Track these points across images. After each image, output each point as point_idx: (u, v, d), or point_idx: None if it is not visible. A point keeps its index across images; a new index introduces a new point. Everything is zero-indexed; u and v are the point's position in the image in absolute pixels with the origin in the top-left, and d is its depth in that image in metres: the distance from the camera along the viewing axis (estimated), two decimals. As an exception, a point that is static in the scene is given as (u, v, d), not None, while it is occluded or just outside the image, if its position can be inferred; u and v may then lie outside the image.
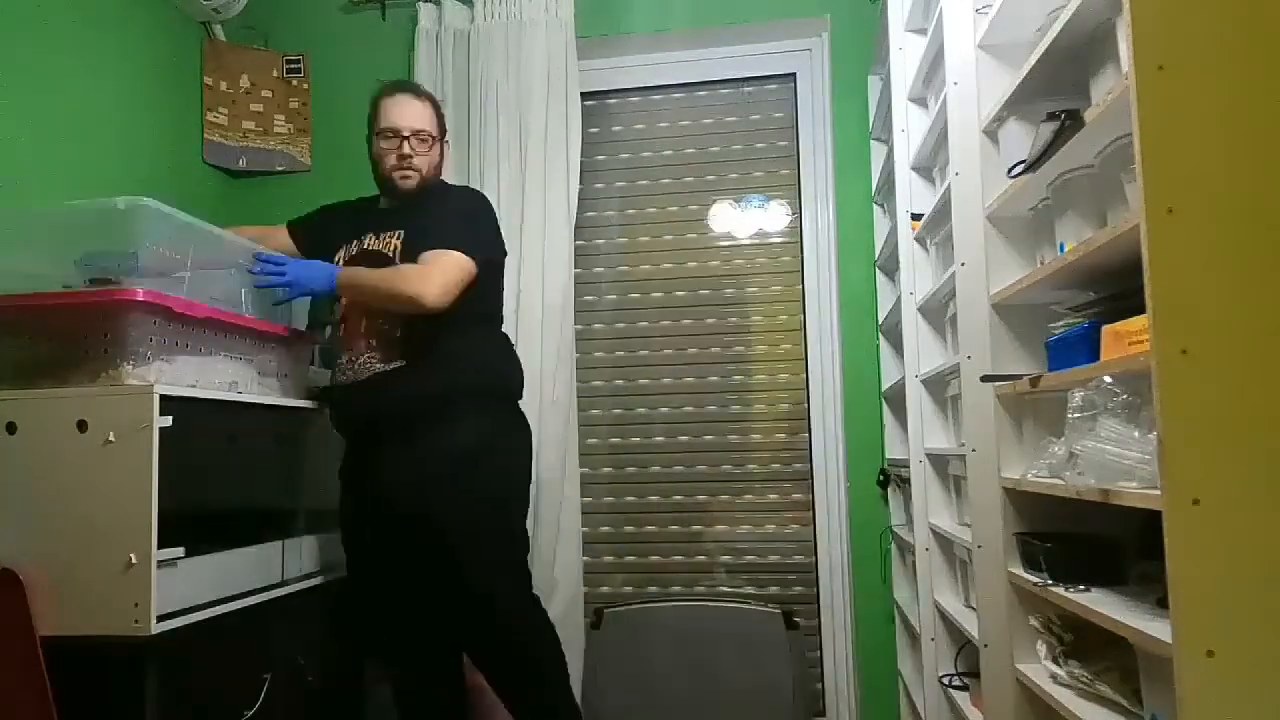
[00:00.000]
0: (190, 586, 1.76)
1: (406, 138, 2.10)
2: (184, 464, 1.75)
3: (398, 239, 2.10)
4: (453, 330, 2.03)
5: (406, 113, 2.13)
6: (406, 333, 2.04)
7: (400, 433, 2.01)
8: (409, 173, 2.12)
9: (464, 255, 2.00)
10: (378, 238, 2.13)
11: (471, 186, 2.30)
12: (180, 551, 1.72)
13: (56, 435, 1.68)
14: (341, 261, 2.14)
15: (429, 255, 1.99)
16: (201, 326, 1.92)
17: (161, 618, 1.65)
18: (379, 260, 2.09)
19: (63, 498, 1.67)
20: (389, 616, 2.12)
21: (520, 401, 2.18)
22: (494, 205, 2.25)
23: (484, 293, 2.12)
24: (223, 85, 2.96)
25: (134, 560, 1.63)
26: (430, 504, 1.99)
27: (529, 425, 2.20)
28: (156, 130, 2.68)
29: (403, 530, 2.04)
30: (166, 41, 2.75)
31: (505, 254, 2.22)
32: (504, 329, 2.25)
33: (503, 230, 2.71)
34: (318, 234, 2.28)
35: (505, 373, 2.16)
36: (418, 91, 2.19)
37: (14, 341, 1.82)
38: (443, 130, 2.20)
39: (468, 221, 2.11)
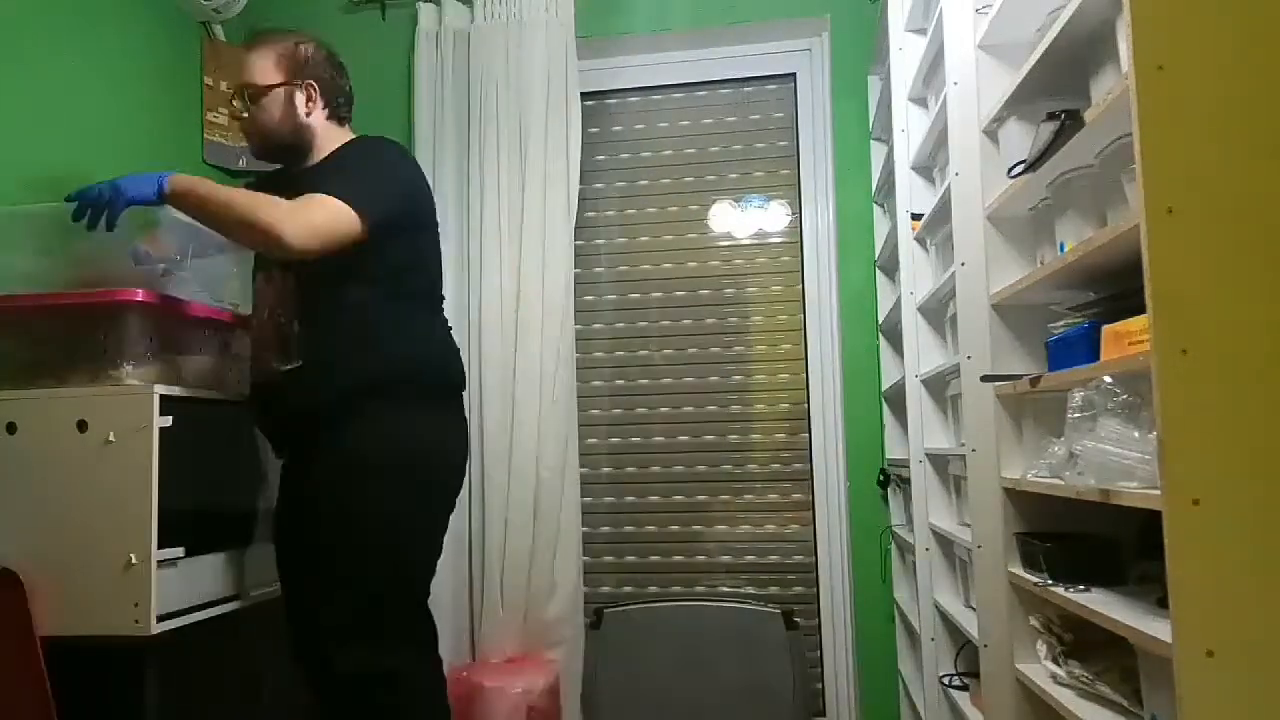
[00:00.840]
0: (190, 586, 1.76)
1: (233, 99, 1.87)
2: (184, 464, 1.75)
3: None
4: (356, 318, 1.75)
5: (237, 70, 1.89)
6: (306, 329, 1.76)
7: (294, 442, 1.82)
8: (248, 137, 1.89)
9: (342, 203, 1.66)
10: None
11: (386, 138, 1.91)
12: (180, 551, 1.72)
13: (56, 435, 1.68)
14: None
15: (308, 197, 1.66)
16: (201, 326, 1.92)
17: (161, 618, 1.65)
18: None
19: (63, 498, 1.67)
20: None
21: (445, 399, 1.85)
22: (420, 170, 1.90)
23: (392, 266, 1.77)
24: (223, 85, 2.95)
25: (134, 560, 1.63)
26: (304, 528, 1.77)
27: (450, 431, 1.84)
28: (156, 130, 2.68)
29: (286, 551, 1.86)
30: (166, 41, 2.75)
31: (420, 219, 1.86)
32: (435, 313, 1.90)
33: (502, 230, 2.75)
34: None
35: (415, 365, 1.79)
36: (251, 40, 1.89)
37: (14, 341, 1.82)
38: (291, 72, 1.85)
39: (356, 170, 1.76)
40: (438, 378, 1.84)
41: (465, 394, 1.94)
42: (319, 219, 1.64)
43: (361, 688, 1.68)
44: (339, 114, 1.91)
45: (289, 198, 1.67)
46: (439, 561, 1.85)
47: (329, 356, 1.74)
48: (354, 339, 1.75)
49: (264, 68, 1.85)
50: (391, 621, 1.72)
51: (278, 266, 1.79)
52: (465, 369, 1.94)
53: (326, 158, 1.84)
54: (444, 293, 1.93)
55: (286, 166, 1.91)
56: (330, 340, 1.75)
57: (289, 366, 1.76)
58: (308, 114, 1.86)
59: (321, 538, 1.72)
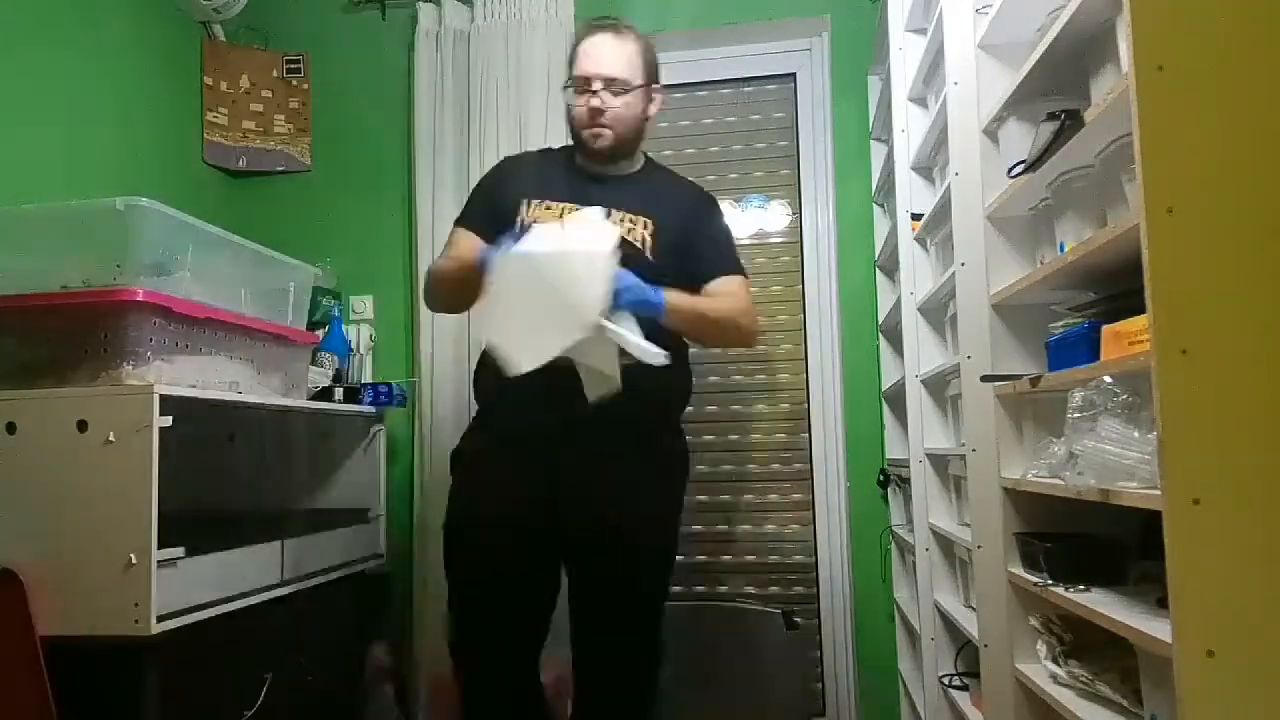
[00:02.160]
0: (190, 586, 1.76)
1: (597, 90, 1.82)
2: (184, 464, 1.75)
3: (646, 230, 1.84)
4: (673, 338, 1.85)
5: (601, 56, 1.83)
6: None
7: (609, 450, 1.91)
8: (600, 130, 1.84)
9: (745, 279, 1.92)
10: (610, 214, 1.80)
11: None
12: (180, 551, 1.72)
13: (56, 435, 1.68)
14: (524, 220, 1.83)
15: (734, 285, 1.88)
16: (201, 326, 1.92)
17: (161, 618, 1.65)
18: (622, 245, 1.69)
19: (63, 498, 1.67)
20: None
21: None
22: None
23: None
24: (223, 85, 2.96)
25: (134, 560, 1.63)
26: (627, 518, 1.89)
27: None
28: (156, 130, 2.68)
29: None
30: (166, 41, 2.75)
31: None
32: None
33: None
34: (500, 201, 1.90)
35: (685, 388, 1.98)
36: (618, 29, 1.86)
37: (14, 341, 1.82)
38: (651, 77, 1.90)
39: (730, 237, 2.01)
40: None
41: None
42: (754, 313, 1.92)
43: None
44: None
45: (659, 221, 1.84)
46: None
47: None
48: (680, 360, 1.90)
49: (634, 63, 1.86)
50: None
51: None
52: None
53: (666, 183, 1.99)
54: None
55: (602, 162, 1.90)
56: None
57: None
58: (650, 116, 1.93)
59: None
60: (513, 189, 1.90)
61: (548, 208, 1.83)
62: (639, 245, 1.80)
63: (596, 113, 1.83)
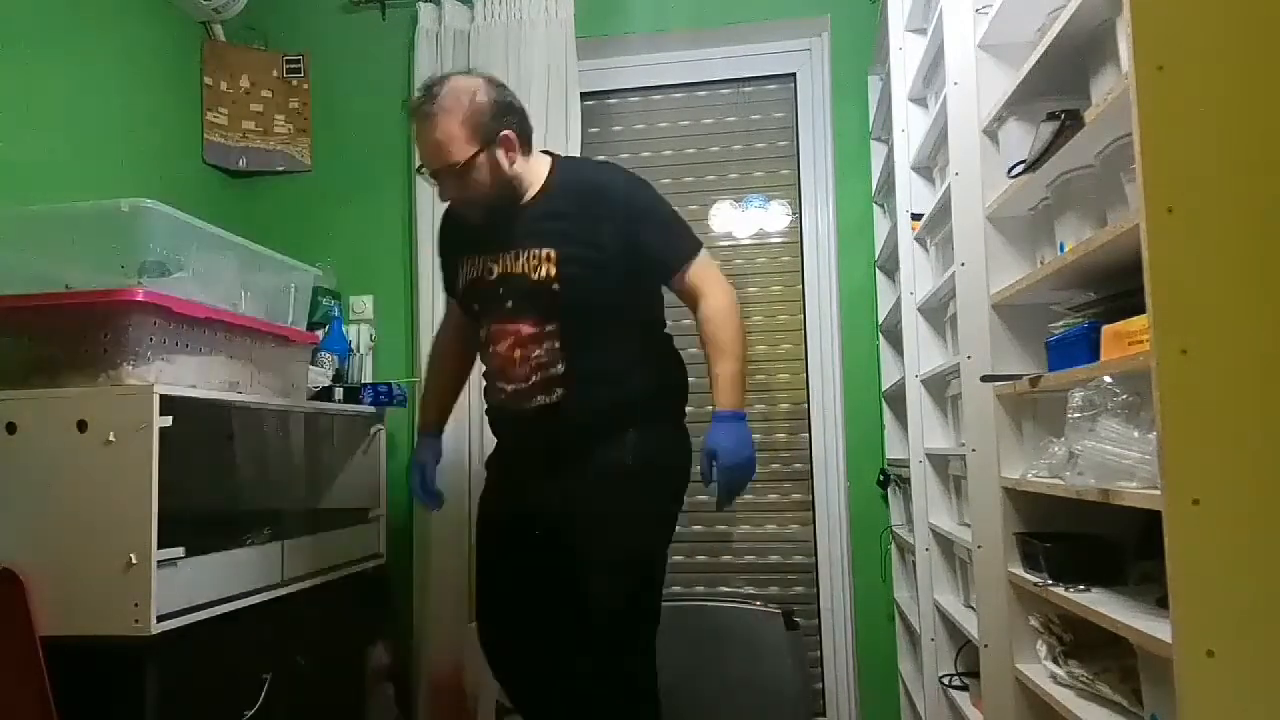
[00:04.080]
0: (190, 586, 1.76)
1: (440, 181, 1.82)
2: (184, 464, 1.75)
3: (550, 262, 1.79)
4: (615, 348, 1.85)
5: (425, 148, 1.81)
6: (568, 367, 1.81)
7: (566, 461, 1.86)
8: (466, 210, 1.86)
9: (704, 252, 1.88)
10: (519, 258, 1.82)
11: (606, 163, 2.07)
12: (180, 551, 1.72)
13: (56, 435, 1.68)
14: (465, 280, 1.91)
15: (700, 270, 1.86)
16: (201, 327, 1.92)
17: (161, 618, 1.65)
18: (530, 286, 1.80)
19: (63, 498, 1.67)
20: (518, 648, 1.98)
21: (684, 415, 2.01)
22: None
23: (641, 296, 1.94)
24: (223, 85, 2.96)
25: (134, 560, 1.63)
26: (578, 525, 1.84)
27: (689, 442, 1.98)
28: (156, 130, 2.68)
29: (551, 548, 1.88)
30: (166, 41, 2.75)
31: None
32: (665, 332, 2.05)
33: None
34: (450, 267, 2.01)
35: (666, 385, 1.96)
36: (427, 112, 1.77)
37: (14, 341, 1.82)
38: (487, 132, 1.77)
39: (670, 214, 1.90)
40: (675, 399, 2.00)
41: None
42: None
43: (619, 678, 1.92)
44: (530, 144, 1.88)
45: (506, 232, 1.82)
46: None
47: (594, 384, 1.83)
48: (635, 366, 1.88)
49: (457, 138, 1.76)
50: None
51: (530, 314, 1.82)
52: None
53: (563, 194, 1.85)
54: None
55: (491, 210, 1.85)
56: (597, 372, 1.83)
57: (553, 399, 1.82)
58: (511, 163, 1.81)
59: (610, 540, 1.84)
60: (451, 250, 2.00)
61: (472, 263, 1.90)
62: (543, 278, 1.79)
63: (450, 201, 1.88)
